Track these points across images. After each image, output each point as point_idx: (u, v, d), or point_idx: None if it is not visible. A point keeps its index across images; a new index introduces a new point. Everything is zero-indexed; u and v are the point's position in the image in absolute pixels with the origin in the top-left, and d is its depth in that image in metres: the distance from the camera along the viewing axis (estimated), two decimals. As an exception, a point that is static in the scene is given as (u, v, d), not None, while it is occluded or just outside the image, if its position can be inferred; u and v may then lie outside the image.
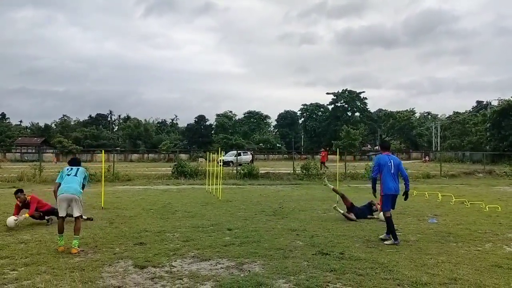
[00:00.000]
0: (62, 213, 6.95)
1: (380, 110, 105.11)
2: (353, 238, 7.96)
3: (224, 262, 6.28)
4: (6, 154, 62.89)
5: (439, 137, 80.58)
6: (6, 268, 5.82)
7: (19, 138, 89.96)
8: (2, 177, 21.28)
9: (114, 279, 5.43)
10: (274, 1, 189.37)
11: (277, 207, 12.11)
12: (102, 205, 11.69)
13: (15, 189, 10.27)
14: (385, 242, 7.62)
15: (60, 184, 7.15)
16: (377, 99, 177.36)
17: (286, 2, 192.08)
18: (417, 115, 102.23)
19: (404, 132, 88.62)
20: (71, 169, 7.32)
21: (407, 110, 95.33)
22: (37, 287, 5.06)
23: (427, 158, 60.10)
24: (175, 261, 6.34)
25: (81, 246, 6.95)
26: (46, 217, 9.38)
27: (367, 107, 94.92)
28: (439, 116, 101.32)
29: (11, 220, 8.67)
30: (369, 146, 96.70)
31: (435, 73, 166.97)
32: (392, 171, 7.82)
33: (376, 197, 8.42)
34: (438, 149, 73.50)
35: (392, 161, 7.93)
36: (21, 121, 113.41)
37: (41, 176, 21.15)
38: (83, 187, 7.33)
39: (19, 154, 64.92)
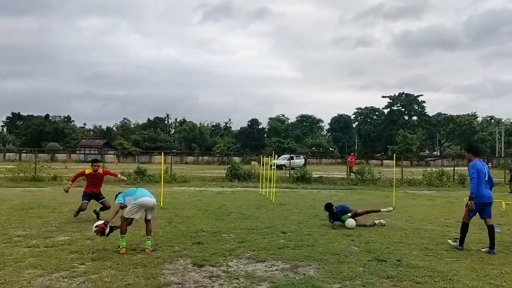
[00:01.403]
0: (136, 216, 7.07)
1: (439, 114, 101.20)
2: (410, 246, 7.77)
3: (279, 264, 6.35)
4: (71, 155, 66.57)
5: (503, 142, 76.29)
6: (75, 262, 6.22)
7: (83, 140, 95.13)
8: (69, 177, 22.54)
9: (174, 276, 5.66)
10: (329, 5, 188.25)
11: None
12: (161, 205, 12.13)
13: (81, 189, 10.94)
14: (450, 241, 7.70)
15: (121, 204, 7.29)
16: (436, 103, 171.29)
17: (341, 5, 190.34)
18: (479, 119, 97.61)
19: (465, 137, 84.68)
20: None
21: (468, 114, 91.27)
22: (104, 280, 5.38)
23: (490, 165, 57.06)
24: (231, 261, 6.50)
25: (141, 243, 7.29)
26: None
27: (425, 111, 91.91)
28: (503, 120, 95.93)
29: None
30: (427, 151, 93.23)
31: (498, 75, 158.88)
32: (486, 178, 7.59)
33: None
34: (502, 155, 69.56)
35: (485, 168, 7.68)
36: (85, 124, 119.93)
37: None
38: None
39: (83, 155, 68.55)
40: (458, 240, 7.64)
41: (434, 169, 26.33)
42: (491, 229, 7.48)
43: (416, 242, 8.16)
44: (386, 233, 8.99)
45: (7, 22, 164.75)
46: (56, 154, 63.34)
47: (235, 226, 9.56)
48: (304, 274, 5.85)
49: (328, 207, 10.27)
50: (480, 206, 7.49)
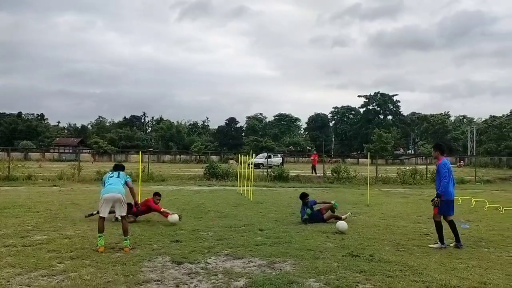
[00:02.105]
0: (103, 214, 7.17)
1: (413, 113, 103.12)
2: (383, 241, 8.05)
3: (256, 261, 6.52)
4: (45, 154, 65.24)
5: (474, 141, 78.40)
6: (54, 261, 6.24)
7: (57, 139, 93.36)
8: (43, 176, 22.27)
9: (153, 274, 5.76)
10: (307, 5, 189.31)
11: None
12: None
13: (57, 188, 10.82)
14: (430, 245, 7.72)
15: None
16: (411, 102, 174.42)
17: (319, 5, 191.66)
18: (452, 118, 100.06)
19: (438, 136, 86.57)
20: (113, 172, 7.66)
21: (441, 113, 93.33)
22: (83, 278, 5.44)
23: (462, 163, 58.56)
24: (210, 258, 6.62)
25: (119, 242, 7.34)
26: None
27: (400, 110, 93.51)
28: (475, 120, 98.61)
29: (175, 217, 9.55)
30: (401, 150, 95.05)
31: (471, 76, 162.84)
32: (452, 176, 7.88)
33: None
34: (474, 154, 71.53)
35: (450, 165, 7.93)
36: (59, 122, 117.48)
37: (80, 176, 22.03)
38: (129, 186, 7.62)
39: (57, 154, 67.25)
40: (437, 240, 7.78)
41: (408, 167, 26.98)
42: (452, 224, 7.77)
43: (388, 238, 8.45)
44: (360, 229, 9.27)
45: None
46: (29, 153, 61.98)
47: (213, 224, 9.68)
48: (280, 269, 6.03)
49: (304, 195, 10.64)
50: (448, 203, 7.76)
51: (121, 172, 7.70)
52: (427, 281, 5.57)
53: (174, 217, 9.52)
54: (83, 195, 15.07)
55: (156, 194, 10.59)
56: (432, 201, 7.84)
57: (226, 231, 8.85)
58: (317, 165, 29.72)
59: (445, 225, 7.83)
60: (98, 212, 8.61)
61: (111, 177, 7.52)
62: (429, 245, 7.76)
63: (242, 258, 6.69)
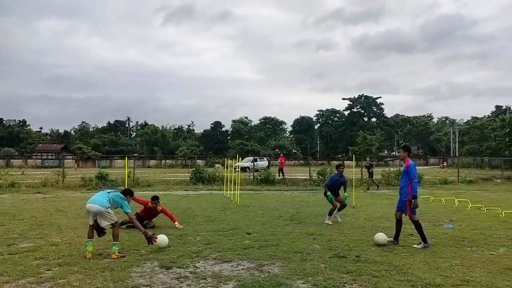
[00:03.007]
0: (90, 222, 7.17)
1: (397, 116, 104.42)
2: (369, 242, 8.18)
3: (245, 264, 6.58)
4: (28, 160, 64.27)
5: (457, 142, 79.70)
6: (42, 268, 6.22)
7: (40, 145, 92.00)
8: (27, 183, 21.98)
9: (142, 279, 5.78)
10: (291, 9, 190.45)
11: (294, 212, 12.38)
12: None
13: (41, 195, 10.73)
14: (415, 245, 7.89)
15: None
16: (394, 105, 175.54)
17: (303, 9, 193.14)
18: (435, 120, 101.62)
19: (422, 138, 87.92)
20: (112, 190, 7.68)
21: (424, 115, 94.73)
22: (72, 285, 5.44)
23: (445, 164, 59.50)
24: (198, 262, 6.67)
25: (107, 248, 7.34)
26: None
27: (384, 112, 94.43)
28: (457, 121, 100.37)
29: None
30: (385, 152, 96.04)
31: (453, 78, 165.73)
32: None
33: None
34: (456, 155, 72.71)
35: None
36: (41, 128, 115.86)
37: (64, 182, 21.80)
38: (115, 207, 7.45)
39: (40, 160, 66.30)
40: (421, 240, 7.91)
41: (392, 169, 27.31)
42: (417, 224, 7.99)
43: (373, 239, 8.57)
44: (346, 231, 9.40)
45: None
46: (11, 160, 61.01)
47: (200, 228, 9.71)
48: (269, 272, 6.11)
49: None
50: (403, 202, 8.09)
51: (117, 193, 7.56)
52: (412, 280, 5.70)
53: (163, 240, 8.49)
54: (68, 202, 14.93)
55: (154, 198, 10.43)
56: (410, 203, 7.97)
57: (214, 235, 8.89)
58: (285, 168, 29.80)
59: (427, 223, 7.98)
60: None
61: (103, 190, 7.52)
62: (413, 245, 7.92)
63: (231, 261, 6.74)
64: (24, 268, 6.17)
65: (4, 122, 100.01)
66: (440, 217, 11.76)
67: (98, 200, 7.15)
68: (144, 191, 20.22)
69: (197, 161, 51.90)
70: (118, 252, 6.97)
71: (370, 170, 23.50)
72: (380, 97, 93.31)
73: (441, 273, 6.05)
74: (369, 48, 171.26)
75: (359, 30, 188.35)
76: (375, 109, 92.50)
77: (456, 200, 15.23)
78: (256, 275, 5.94)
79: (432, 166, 61.14)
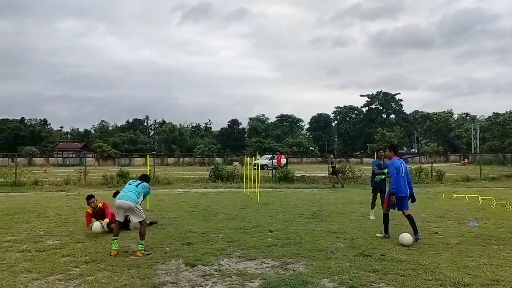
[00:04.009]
0: (118, 218, 7.27)
1: (416, 112, 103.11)
2: (393, 241, 8.08)
3: (269, 262, 6.57)
4: (49, 159, 65.47)
5: (478, 139, 78.29)
6: (69, 265, 6.32)
7: (60, 143, 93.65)
8: (50, 181, 22.38)
9: (168, 276, 5.82)
10: (307, 6, 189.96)
11: (315, 210, 12.32)
12: (147, 207, 12.22)
13: (64, 193, 10.89)
14: (377, 235, 8.52)
15: None
16: (412, 101, 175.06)
17: (319, 6, 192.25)
18: (455, 116, 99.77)
19: (442, 134, 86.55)
20: (135, 181, 7.69)
21: (444, 111, 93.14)
22: (100, 282, 5.51)
23: (465, 161, 58.56)
24: (222, 260, 6.68)
25: (132, 245, 7.42)
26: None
27: (403, 109, 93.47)
28: (478, 117, 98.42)
29: (97, 225, 8.66)
30: (405, 149, 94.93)
31: (472, 73, 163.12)
32: (403, 175, 8.28)
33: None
34: (478, 151, 71.41)
35: (403, 165, 8.37)
36: (61, 127, 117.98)
37: (86, 180, 22.14)
38: (143, 197, 7.56)
39: (61, 158, 67.47)
40: (383, 231, 8.51)
41: (412, 166, 26.96)
42: (410, 218, 8.20)
43: (398, 237, 8.46)
44: (369, 229, 9.31)
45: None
46: (33, 159, 62.22)
47: (222, 226, 9.73)
48: (294, 270, 6.09)
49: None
50: (398, 200, 8.21)
51: (143, 183, 7.65)
52: (440, 279, 5.62)
53: (96, 225, 8.74)
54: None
55: (89, 197, 9.27)
56: (389, 198, 8.33)
57: (236, 233, 8.90)
58: (303, 165, 29.69)
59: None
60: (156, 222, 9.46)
61: (130, 184, 7.54)
62: (376, 235, 8.51)
63: (255, 259, 6.74)
64: (52, 265, 6.27)
65: (25, 121, 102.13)
66: (464, 215, 11.55)
67: (129, 196, 7.22)
68: (164, 188, 20.42)
69: (215, 159, 52.08)
70: (144, 250, 7.04)
71: (333, 165, 22.98)
72: (398, 93, 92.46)
73: (469, 272, 5.95)
74: (386, 44, 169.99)
75: (376, 26, 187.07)
76: (394, 106, 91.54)
77: (480, 197, 14.94)
78: (281, 273, 5.93)
79: (453, 163, 60.27)
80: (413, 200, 8.55)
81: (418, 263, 6.42)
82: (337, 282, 5.54)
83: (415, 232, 8.05)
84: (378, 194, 10.79)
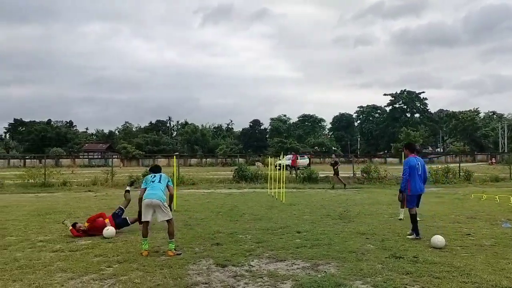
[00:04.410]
0: (146, 218, 7.24)
1: (441, 111, 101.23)
2: (424, 243, 7.93)
3: (299, 263, 6.53)
4: (75, 160, 66.82)
5: (506, 137, 76.29)
6: (103, 265, 6.41)
7: (86, 145, 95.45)
8: (78, 182, 22.83)
9: (200, 276, 5.85)
10: (328, 5, 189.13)
11: (342, 211, 12.20)
12: (174, 208, 12.32)
13: (92, 193, 11.04)
14: (408, 236, 8.36)
15: (145, 189, 7.40)
16: (437, 100, 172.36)
17: (341, 5, 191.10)
18: (482, 115, 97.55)
19: (468, 133, 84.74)
20: (155, 176, 7.67)
21: (470, 110, 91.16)
22: (134, 282, 5.57)
23: (493, 160, 57.15)
24: (253, 261, 6.68)
25: (162, 245, 7.49)
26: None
27: (428, 107, 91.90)
28: (505, 115, 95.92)
29: (112, 231, 8.68)
30: (430, 148, 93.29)
31: (498, 71, 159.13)
32: (419, 173, 8.45)
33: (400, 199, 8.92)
34: (505, 151, 69.61)
35: (419, 163, 8.52)
36: (87, 128, 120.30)
37: (113, 181, 22.51)
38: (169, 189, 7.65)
39: (87, 159, 68.78)
40: (413, 233, 8.37)
41: (439, 166, 26.47)
42: (413, 217, 8.40)
43: (429, 239, 8.30)
44: (399, 230, 9.16)
45: (11, 29, 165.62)
46: (60, 160, 63.58)
47: (249, 227, 9.73)
48: (325, 272, 6.03)
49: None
50: (417, 198, 8.47)
51: (162, 175, 7.71)
52: (477, 282, 5.49)
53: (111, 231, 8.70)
54: (118, 200, 15.26)
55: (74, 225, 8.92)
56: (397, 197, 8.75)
57: (264, 233, 8.89)
58: (355, 165, 29.39)
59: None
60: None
61: (152, 181, 7.51)
62: (407, 236, 8.38)
63: (285, 260, 6.71)
64: (86, 265, 6.38)
65: (52, 123, 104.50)
66: (496, 216, 11.26)
67: (157, 194, 7.24)
68: (189, 189, 20.57)
69: (239, 159, 52.21)
70: (174, 250, 7.09)
71: (336, 167, 22.53)
72: (423, 92, 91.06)
73: (506, 275, 5.78)
74: (409, 42, 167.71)
75: (399, 24, 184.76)
76: (418, 105, 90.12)
77: (511, 198, 14.55)
78: (313, 275, 5.88)
79: (480, 163, 58.91)
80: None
81: (452, 265, 6.28)
82: (371, 284, 5.47)
83: (413, 229, 8.43)
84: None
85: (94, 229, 8.79)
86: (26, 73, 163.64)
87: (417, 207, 8.60)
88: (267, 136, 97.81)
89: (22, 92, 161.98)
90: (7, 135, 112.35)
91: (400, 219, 10.42)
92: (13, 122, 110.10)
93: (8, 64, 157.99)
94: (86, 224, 8.88)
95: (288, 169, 34.35)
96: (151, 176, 7.67)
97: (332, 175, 23.02)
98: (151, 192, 7.32)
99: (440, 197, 16.70)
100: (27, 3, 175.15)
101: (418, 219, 10.04)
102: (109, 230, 8.65)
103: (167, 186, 7.56)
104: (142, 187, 7.58)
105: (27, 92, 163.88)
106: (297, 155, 39.13)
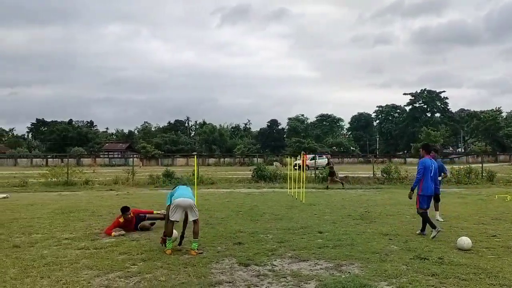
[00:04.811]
0: (175, 218, 7.26)
1: (462, 110, 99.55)
2: (449, 244, 7.80)
3: (322, 263, 6.50)
4: (96, 159, 67.83)
5: (530, 138, 74.52)
6: (127, 263, 6.49)
7: (106, 144, 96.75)
8: (99, 181, 23.18)
9: (223, 275, 5.87)
10: (347, 5, 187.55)
11: (363, 211, 12.11)
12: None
13: (114, 192, 11.19)
14: (431, 236, 8.22)
15: (169, 206, 7.41)
16: (458, 99, 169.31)
17: (359, 4, 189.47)
18: (504, 114, 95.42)
19: (490, 133, 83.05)
20: (182, 186, 7.81)
21: (492, 109, 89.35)
22: (159, 280, 5.63)
23: (516, 161, 55.90)
24: (275, 260, 6.67)
25: (186, 243, 7.54)
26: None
27: (448, 107, 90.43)
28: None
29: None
30: (450, 149, 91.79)
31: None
32: (431, 175, 8.60)
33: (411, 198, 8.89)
34: (530, 151, 68.02)
35: (433, 165, 8.71)
36: (107, 128, 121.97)
37: (134, 180, 22.79)
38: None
39: (107, 159, 69.75)
40: (432, 229, 8.30)
41: (461, 166, 26.02)
42: (422, 216, 8.56)
43: (454, 240, 8.14)
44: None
45: (33, 31, 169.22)
46: (81, 159, 64.61)
47: (270, 226, 9.72)
48: (349, 272, 5.99)
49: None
50: (429, 198, 8.65)
51: (189, 186, 7.88)
52: (505, 285, 5.38)
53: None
54: (140, 199, 15.58)
55: (124, 209, 9.22)
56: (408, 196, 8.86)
57: (285, 233, 8.87)
58: (345, 165, 28.98)
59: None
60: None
61: (180, 188, 7.63)
62: (430, 236, 8.23)
63: (307, 260, 6.69)
64: (111, 263, 6.47)
65: (73, 123, 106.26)
66: (522, 218, 11.00)
67: (188, 194, 7.38)
68: (208, 188, 20.68)
69: (258, 159, 52.25)
70: (197, 249, 7.14)
71: (331, 166, 22.03)
72: (444, 91, 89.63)
73: (536, 278, 5.65)
74: (429, 41, 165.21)
75: (419, 22, 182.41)
76: (439, 104, 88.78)
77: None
78: (337, 275, 5.85)
79: (502, 163, 57.68)
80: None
81: (479, 267, 6.16)
82: (396, 286, 5.40)
83: (423, 229, 8.60)
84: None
85: (129, 223, 9.06)
86: (48, 74, 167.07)
87: (428, 207, 8.66)
88: (284, 136, 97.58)
89: (44, 93, 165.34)
90: (30, 135, 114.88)
91: (437, 221, 10.24)
92: (35, 122, 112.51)
93: (30, 66, 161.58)
94: (132, 214, 9.16)
95: (307, 168, 34.20)
96: (177, 187, 7.76)
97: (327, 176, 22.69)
98: (183, 193, 7.43)
99: (463, 197, 16.42)
100: (47, 5, 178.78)
101: (438, 219, 10.22)
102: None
103: None
104: (168, 204, 7.54)
105: (49, 92, 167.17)
106: (307, 155, 38.51)
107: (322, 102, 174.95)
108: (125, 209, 9.16)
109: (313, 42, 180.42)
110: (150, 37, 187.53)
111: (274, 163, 48.18)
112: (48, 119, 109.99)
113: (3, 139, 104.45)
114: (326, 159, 46.55)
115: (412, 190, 8.68)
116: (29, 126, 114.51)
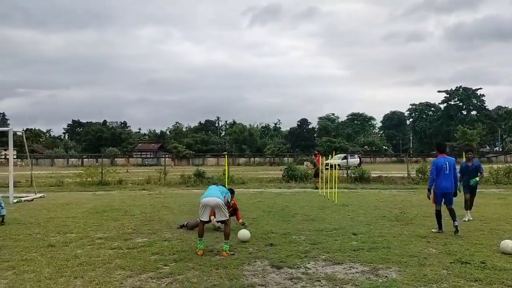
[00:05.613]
0: (204, 218, 7.23)
1: (499, 108, 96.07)
2: (491, 247, 7.44)
3: (358, 267, 6.29)
4: (129, 159, 69.15)
5: None
6: (159, 263, 6.47)
7: (139, 144, 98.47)
8: (132, 180, 23.53)
9: (256, 278, 5.76)
10: (378, 2, 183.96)
11: (398, 212, 11.76)
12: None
13: (146, 191, 11.24)
14: (433, 230, 8.87)
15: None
16: (494, 96, 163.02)
17: (390, 1, 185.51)
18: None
19: (530, 132, 79.76)
20: (212, 185, 7.81)
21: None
22: (190, 281, 5.57)
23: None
24: (309, 263, 6.51)
25: (216, 245, 7.47)
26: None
27: (485, 105, 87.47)
28: None
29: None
30: (487, 147, 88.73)
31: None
32: (447, 172, 8.74)
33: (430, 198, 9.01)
34: None
35: (447, 163, 8.81)
36: (140, 129, 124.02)
37: (165, 179, 23.02)
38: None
39: (140, 159, 71.00)
40: (437, 227, 8.84)
41: (500, 166, 25.00)
42: (451, 211, 8.78)
43: (496, 243, 7.75)
44: (462, 234, 8.65)
45: (70, 35, 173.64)
46: (115, 159, 66.02)
47: (303, 227, 9.55)
48: (386, 277, 5.76)
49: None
50: (442, 196, 8.79)
51: (222, 186, 7.84)
52: (556, 293, 5.04)
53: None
54: (172, 199, 15.66)
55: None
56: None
57: (318, 235, 8.69)
58: (377, 165, 27.95)
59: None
60: (186, 225, 9.23)
61: (210, 188, 7.63)
62: (432, 230, 8.87)
63: (342, 263, 6.49)
64: (144, 263, 6.46)
65: (107, 124, 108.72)
66: None
67: (215, 193, 7.29)
68: (239, 188, 20.54)
69: (288, 159, 51.99)
70: (229, 250, 7.05)
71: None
72: (480, 88, 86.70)
73: None
74: (464, 37, 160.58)
75: (453, 18, 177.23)
76: (475, 102, 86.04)
77: None
78: (373, 280, 5.63)
79: (545, 163, 55.22)
80: (455, 195, 9.05)
81: (526, 273, 5.81)
82: (436, 291, 5.15)
83: (454, 219, 8.70)
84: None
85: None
86: (83, 77, 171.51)
87: (451, 204, 8.83)
88: (315, 135, 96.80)
89: (80, 95, 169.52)
90: (66, 136, 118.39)
91: (465, 221, 9.91)
92: (71, 123, 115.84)
93: (67, 68, 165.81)
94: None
95: (339, 168, 33.62)
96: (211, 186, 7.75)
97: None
98: (210, 192, 7.41)
99: (503, 198, 15.75)
100: (83, 10, 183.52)
101: (466, 219, 10.32)
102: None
103: (224, 197, 7.50)
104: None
105: (84, 94, 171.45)
106: (320, 154, 37.09)
107: (353, 101, 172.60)
108: (232, 192, 9.15)
109: (344, 40, 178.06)
110: (181, 38, 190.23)
111: (305, 163, 47.77)
112: (84, 120, 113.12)
113: (41, 140, 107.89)
114: (358, 159, 46.00)
115: (429, 190, 8.89)
116: (66, 127, 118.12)
